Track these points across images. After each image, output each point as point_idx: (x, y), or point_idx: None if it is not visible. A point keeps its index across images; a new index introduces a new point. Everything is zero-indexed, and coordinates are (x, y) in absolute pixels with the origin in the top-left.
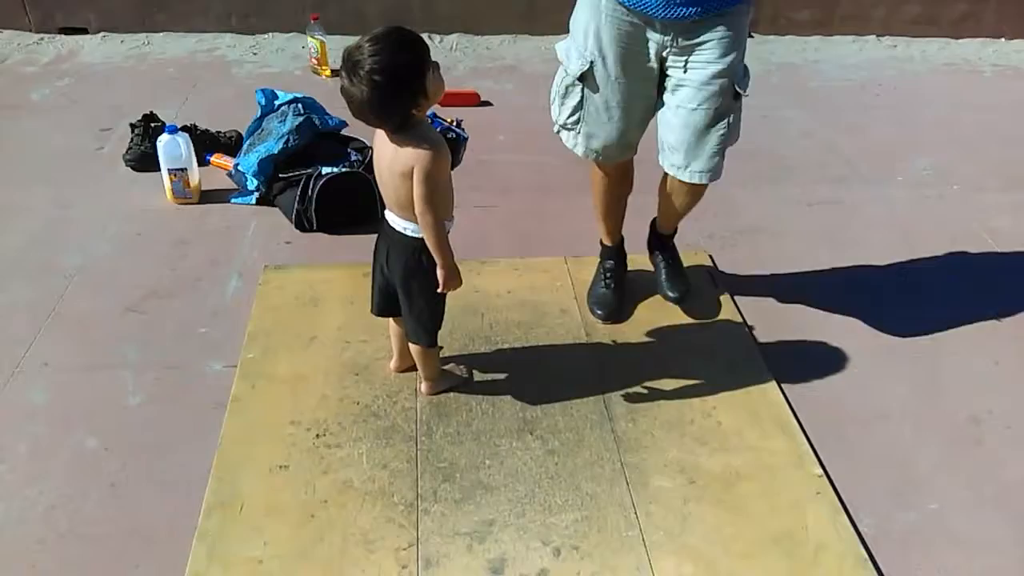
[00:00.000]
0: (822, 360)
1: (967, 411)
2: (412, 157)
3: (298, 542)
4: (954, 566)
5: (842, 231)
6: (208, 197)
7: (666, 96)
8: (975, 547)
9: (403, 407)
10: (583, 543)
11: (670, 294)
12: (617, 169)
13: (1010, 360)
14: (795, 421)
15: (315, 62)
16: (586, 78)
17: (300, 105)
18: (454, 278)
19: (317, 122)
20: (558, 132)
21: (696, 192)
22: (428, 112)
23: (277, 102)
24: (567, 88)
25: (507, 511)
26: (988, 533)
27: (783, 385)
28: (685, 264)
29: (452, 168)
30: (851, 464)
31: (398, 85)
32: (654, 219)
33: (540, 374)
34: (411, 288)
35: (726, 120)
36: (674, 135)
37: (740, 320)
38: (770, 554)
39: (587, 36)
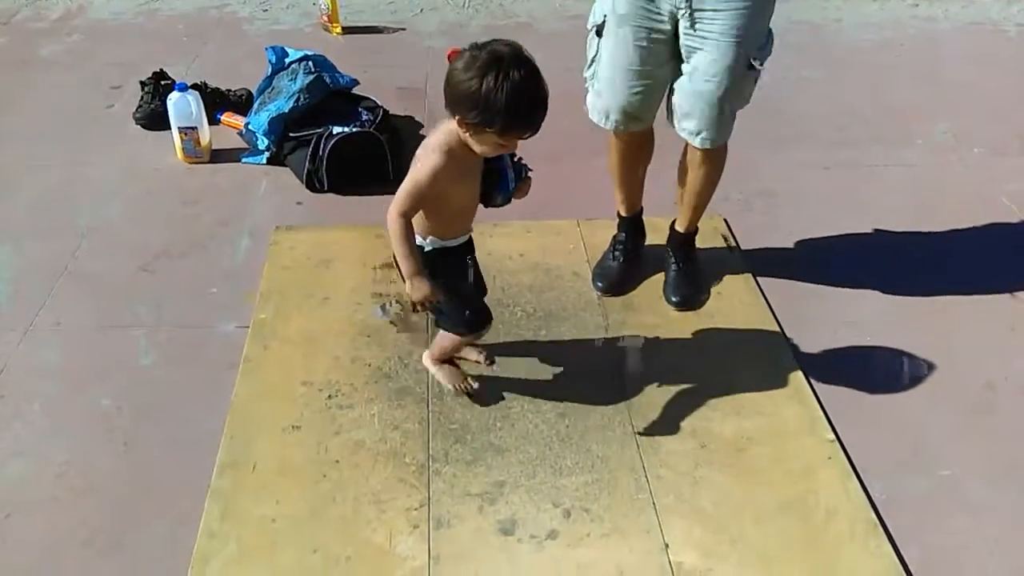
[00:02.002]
0: (837, 326)
1: (982, 377)
2: (422, 146)
3: (310, 502)
4: (965, 532)
5: (860, 195)
6: (219, 156)
7: (679, 65)
8: (987, 513)
9: (415, 369)
10: (593, 505)
11: (672, 298)
12: (633, 138)
13: (1021, 325)
14: (808, 387)
15: (326, 19)
16: (600, 33)
17: (311, 63)
18: (414, 291)
19: (328, 80)
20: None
21: (713, 161)
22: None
23: (287, 60)
24: (589, 42)
25: (518, 472)
26: (1000, 500)
27: (797, 351)
28: (700, 227)
29: (491, 204)
30: (863, 430)
31: (461, 96)
32: (674, 220)
33: (551, 337)
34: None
35: (739, 90)
36: (687, 101)
37: (755, 285)
38: (780, 519)
39: None
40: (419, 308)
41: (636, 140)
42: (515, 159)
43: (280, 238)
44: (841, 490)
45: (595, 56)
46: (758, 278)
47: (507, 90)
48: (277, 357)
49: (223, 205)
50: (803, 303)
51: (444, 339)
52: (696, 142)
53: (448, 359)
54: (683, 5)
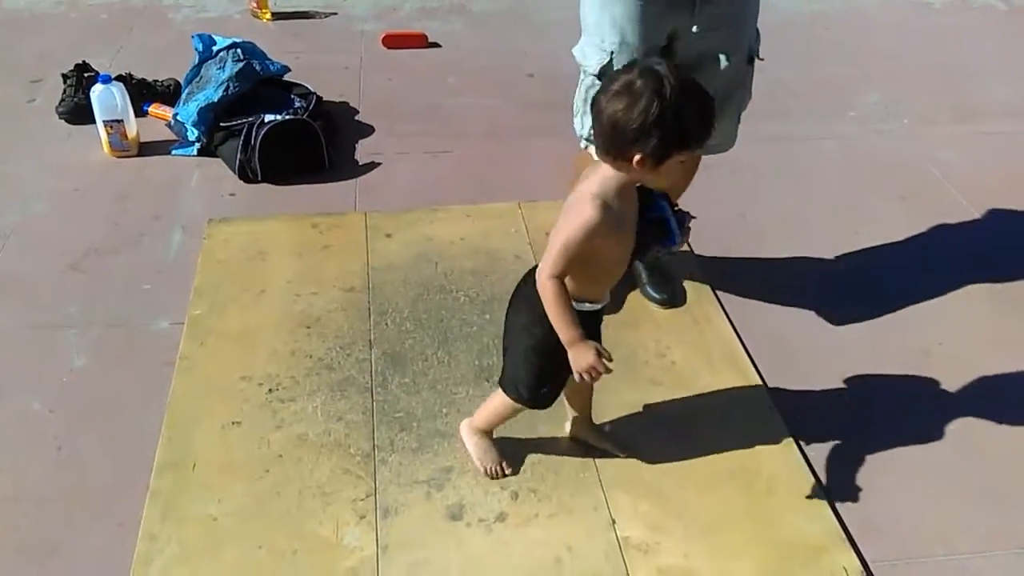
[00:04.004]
0: (773, 296)
1: (918, 343)
2: (572, 198)
3: (253, 498)
4: (901, 491)
5: (792, 167)
6: (147, 149)
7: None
8: (924, 473)
9: (357, 359)
10: (541, 486)
11: (657, 296)
12: None
13: (958, 292)
14: (747, 357)
15: (255, 6)
16: (606, 72)
17: (239, 50)
18: (578, 360)
19: (258, 68)
20: (586, 147)
21: (695, 165)
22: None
23: (215, 48)
24: (588, 91)
25: (465, 457)
26: (936, 459)
27: (735, 322)
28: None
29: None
30: (802, 397)
31: (637, 130)
32: None
33: (495, 321)
34: (530, 332)
35: (743, 88)
36: None
37: (692, 258)
38: (725, 488)
39: (601, 25)
40: (585, 378)
41: None
42: (675, 207)
43: (214, 231)
44: (781, 457)
45: None
46: (693, 250)
47: (683, 100)
48: (214, 353)
49: (154, 199)
50: (738, 274)
51: (498, 406)
52: (699, 150)
53: (489, 432)
54: (685, 10)
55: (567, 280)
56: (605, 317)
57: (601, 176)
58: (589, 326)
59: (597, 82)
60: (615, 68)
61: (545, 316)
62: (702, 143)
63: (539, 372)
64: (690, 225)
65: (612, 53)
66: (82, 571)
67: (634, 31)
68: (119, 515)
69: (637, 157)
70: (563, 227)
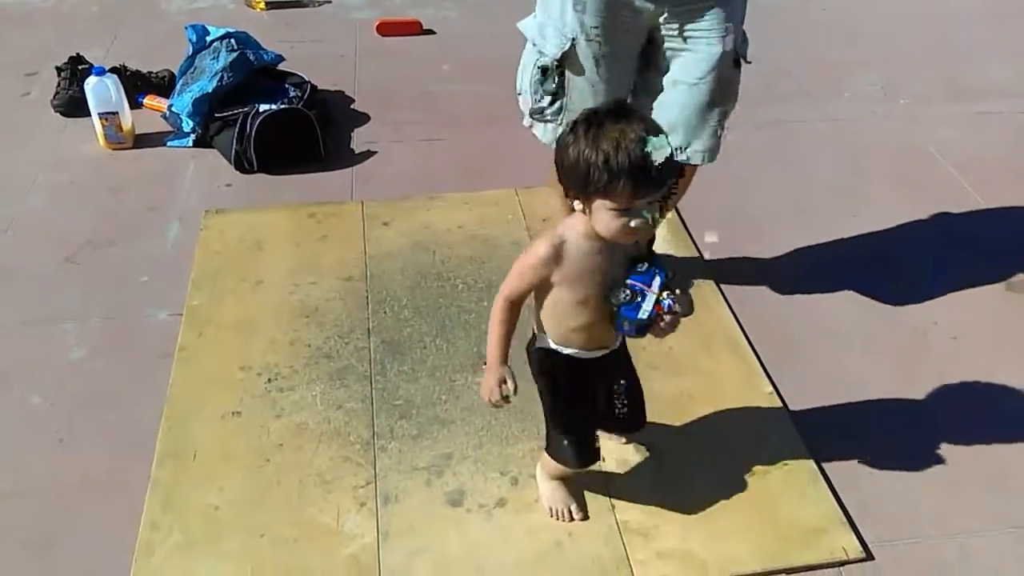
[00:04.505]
0: (771, 280)
1: (914, 324)
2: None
3: (254, 487)
4: (899, 473)
5: (789, 151)
6: (143, 141)
7: (659, 69)
8: (919, 455)
9: (356, 347)
10: None
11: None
12: None
13: (954, 271)
14: (745, 341)
15: None
16: (567, 58)
17: (233, 40)
18: (486, 382)
19: (252, 57)
20: (531, 126)
21: (690, 176)
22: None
23: (209, 38)
24: (543, 72)
25: (464, 444)
26: (931, 441)
27: (733, 306)
28: None
29: (619, 329)
30: (801, 380)
31: (565, 168)
32: None
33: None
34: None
35: (729, 91)
36: (673, 113)
37: (691, 243)
38: (724, 471)
39: (565, 10)
40: (489, 401)
41: None
42: (666, 289)
43: (210, 222)
44: (780, 440)
45: (559, 86)
46: (693, 237)
47: (601, 141)
48: (213, 343)
49: (150, 191)
50: (737, 258)
51: (546, 458)
52: (686, 157)
53: (564, 475)
54: (664, 8)
55: (545, 322)
56: None
57: (572, 219)
58: (577, 374)
59: (556, 65)
60: (578, 57)
61: (539, 373)
62: (633, 193)
63: (550, 430)
64: (668, 316)
65: (573, 40)
66: (84, 562)
67: (595, 20)
68: (120, 506)
69: (565, 193)
70: (522, 256)
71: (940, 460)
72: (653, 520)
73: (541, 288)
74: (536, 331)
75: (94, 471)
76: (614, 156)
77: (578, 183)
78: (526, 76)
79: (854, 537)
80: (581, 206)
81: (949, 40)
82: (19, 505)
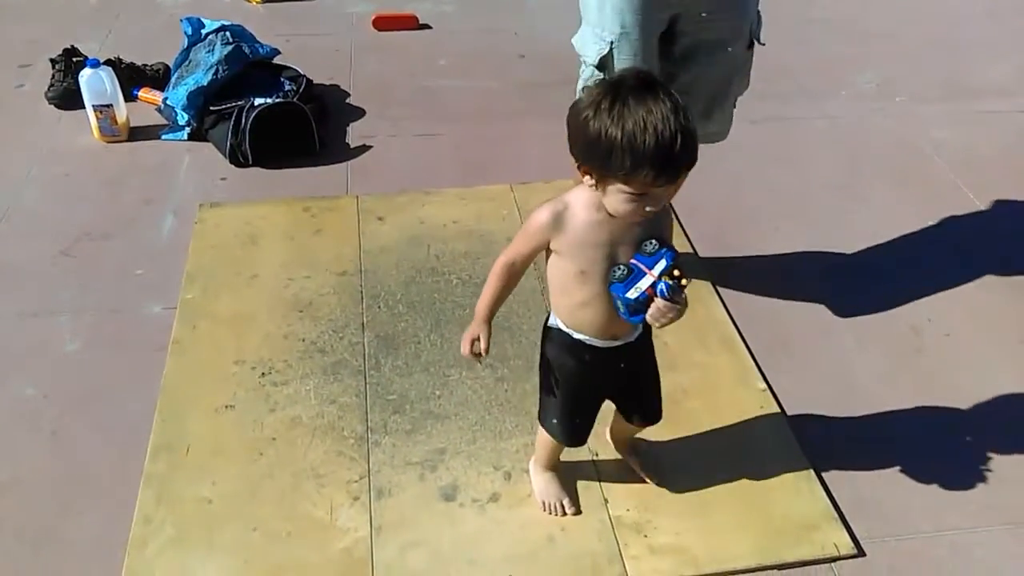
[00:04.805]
0: (766, 277)
1: (908, 321)
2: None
3: (247, 480)
4: (891, 469)
5: (786, 148)
6: (138, 134)
7: (675, 49)
8: (914, 453)
9: (350, 342)
10: None
11: None
12: None
13: (949, 269)
14: (739, 338)
15: None
16: (607, 63)
17: (228, 33)
18: (465, 335)
19: (247, 51)
20: None
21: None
22: None
23: (204, 31)
24: (588, 79)
25: (458, 439)
26: (927, 439)
27: (727, 302)
28: None
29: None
30: (794, 377)
31: (576, 136)
32: None
33: None
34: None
35: (743, 74)
36: (687, 97)
37: (685, 241)
38: (716, 468)
39: (603, 13)
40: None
41: None
42: (670, 270)
43: (205, 216)
44: (774, 437)
45: None
46: (688, 233)
47: (626, 121)
48: (207, 337)
49: (145, 184)
50: (732, 256)
51: (541, 437)
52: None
53: (554, 467)
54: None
55: (559, 294)
56: None
57: (580, 187)
58: (574, 359)
59: (598, 73)
60: (616, 60)
61: (544, 348)
62: (654, 178)
63: (542, 400)
64: (676, 300)
65: (612, 44)
66: (78, 555)
67: (635, 20)
68: (114, 499)
69: (577, 164)
70: (525, 220)
71: (933, 456)
72: (646, 515)
73: (546, 256)
74: (549, 308)
75: (88, 464)
76: (640, 140)
77: (596, 162)
78: (580, 90)
79: (846, 533)
80: (592, 181)
81: (948, 38)
82: (13, 498)
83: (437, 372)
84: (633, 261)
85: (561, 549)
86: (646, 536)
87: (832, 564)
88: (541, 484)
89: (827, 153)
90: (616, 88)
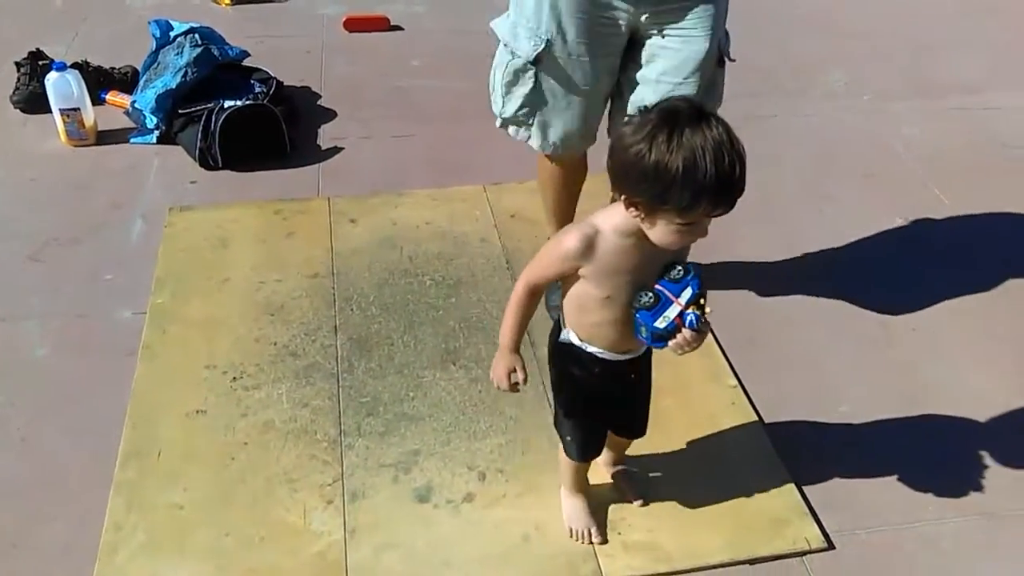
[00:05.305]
0: (736, 275)
1: (876, 316)
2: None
3: (219, 485)
4: (865, 467)
5: (756, 147)
6: (106, 137)
7: (641, 68)
8: (887, 449)
9: (322, 345)
10: (508, 466)
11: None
12: (574, 160)
13: (917, 266)
14: (711, 336)
15: None
16: (541, 60)
17: (197, 36)
18: (496, 367)
19: (216, 53)
20: (502, 126)
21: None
22: None
23: (172, 33)
24: (516, 74)
25: (432, 440)
26: (892, 431)
27: None
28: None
29: (636, 334)
30: (765, 374)
31: (626, 166)
32: None
33: (462, 304)
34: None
35: (714, 91)
36: None
37: None
38: (689, 466)
39: (540, 10)
40: (498, 387)
41: (578, 160)
42: (696, 300)
43: (175, 219)
44: (745, 434)
45: (533, 89)
46: None
47: (686, 152)
48: (177, 341)
49: (114, 188)
50: (701, 253)
51: (561, 461)
52: None
53: (583, 489)
54: (646, 7)
55: (567, 313)
56: None
57: (608, 210)
58: (585, 372)
59: (530, 67)
60: (554, 58)
61: (550, 357)
62: (710, 211)
63: (560, 421)
64: (701, 329)
65: (548, 40)
66: (47, 562)
67: (572, 21)
68: (84, 505)
69: (624, 198)
70: (549, 242)
71: (903, 450)
72: (620, 513)
73: (567, 278)
74: (561, 323)
75: (57, 471)
76: (702, 173)
77: (651, 195)
78: (497, 77)
79: (816, 527)
80: (638, 214)
81: (918, 36)
82: None
83: (411, 374)
84: (659, 288)
85: (536, 548)
86: (620, 533)
87: (803, 558)
88: (570, 510)
89: (798, 151)
90: (671, 119)
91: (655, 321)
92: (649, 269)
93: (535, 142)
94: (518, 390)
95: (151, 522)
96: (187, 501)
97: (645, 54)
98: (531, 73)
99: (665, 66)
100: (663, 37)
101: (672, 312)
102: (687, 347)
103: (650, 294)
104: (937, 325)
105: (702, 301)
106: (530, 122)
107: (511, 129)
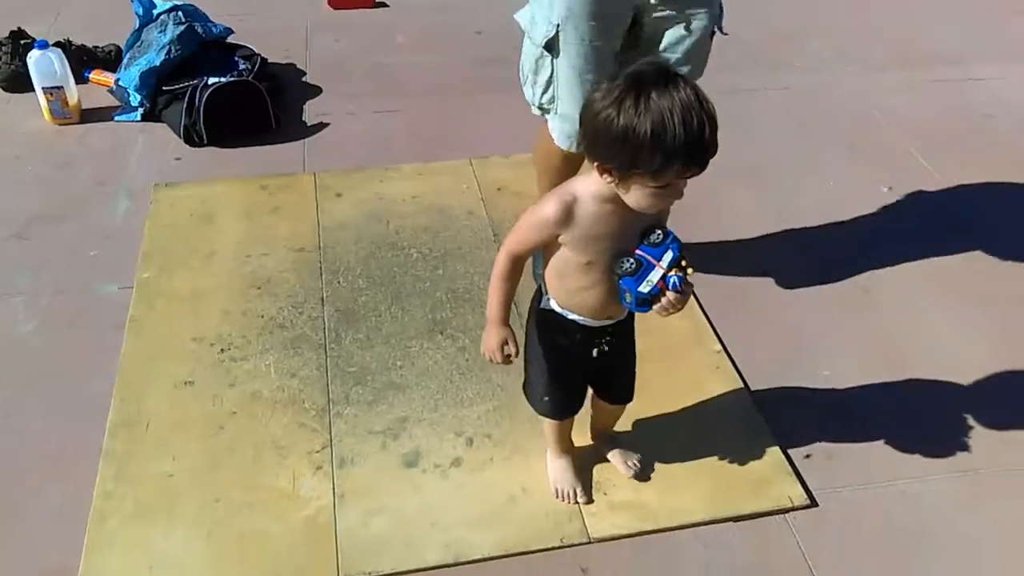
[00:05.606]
0: (722, 244)
1: (858, 281)
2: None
3: (208, 454)
4: (848, 427)
5: (738, 120)
6: (90, 116)
7: (640, 46)
8: (869, 408)
9: (310, 316)
10: (495, 431)
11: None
12: (577, 159)
13: (902, 233)
14: (696, 303)
15: None
16: (552, 46)
17: (180, 13)
18: (487, 339)
19: (200, 30)
20: (541, 114)
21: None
22: None
23: (155, 11)
24: (536, 62)
25: (420, 408)
26: (880, 394)
27: None
28: None
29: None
30: (748, 337)
31: (596, 133)
32: None
33: (449, 276)
34: (526, 339)
35: (702, 61)
36: None
37: None
38: (674, 430)
39: None
40: (486, 358)
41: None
42: (678, 261)
43: (160, 195)
44: (729, 397)
45: (551, 76)
46: None
47: (654, 115)
48: (164, 315)
49: (98, 166)
50: (685, 220)
51: (544, 426)
52: None
53: (569, 451)
54: None
55: (549, 280)
56: None
57: (586, 177)
58: (564, 337)
59: (546, 53)
60: (563, 44)
61: (529, 321)
62: (681, 172)
63: (528, 377)
64: (683, 291)
65: (558, 26)
66: (38, 532)
67: (583, 5)
68: (73, 477)
69: (596, 165)
70: (528, 211)
71: (885, 409)
72: (605, 474)
73: (548, 245)
74: (543, 289)
75: (47, 444)
76: (671, 135)
77: (622, 160)
78: (524, 66)
79: (799, 486)
80: (612, 179)
81: (899, 7)
82: None
83: (398, 344)
84: (640, 252)
85: (522, 509)
86: (605, 494)
87: (787, 516)
88: (555, 472)
89: (781, 123)
90: (637, 83)
91: (639, 286)
92: (629, 234)
93: (554, 132)
94: (511, 362)
95: (140, 490)
96: (177, 469)
97: (647, 32)
98: (547, 61)
99: (665, 42)
100: (665, 16)
101: (655, 276)
102: (672, 309)
103: (631, 260)
104: (919, 291)
105: (683, 263)
106: (553, 109)
107: (548, 121)
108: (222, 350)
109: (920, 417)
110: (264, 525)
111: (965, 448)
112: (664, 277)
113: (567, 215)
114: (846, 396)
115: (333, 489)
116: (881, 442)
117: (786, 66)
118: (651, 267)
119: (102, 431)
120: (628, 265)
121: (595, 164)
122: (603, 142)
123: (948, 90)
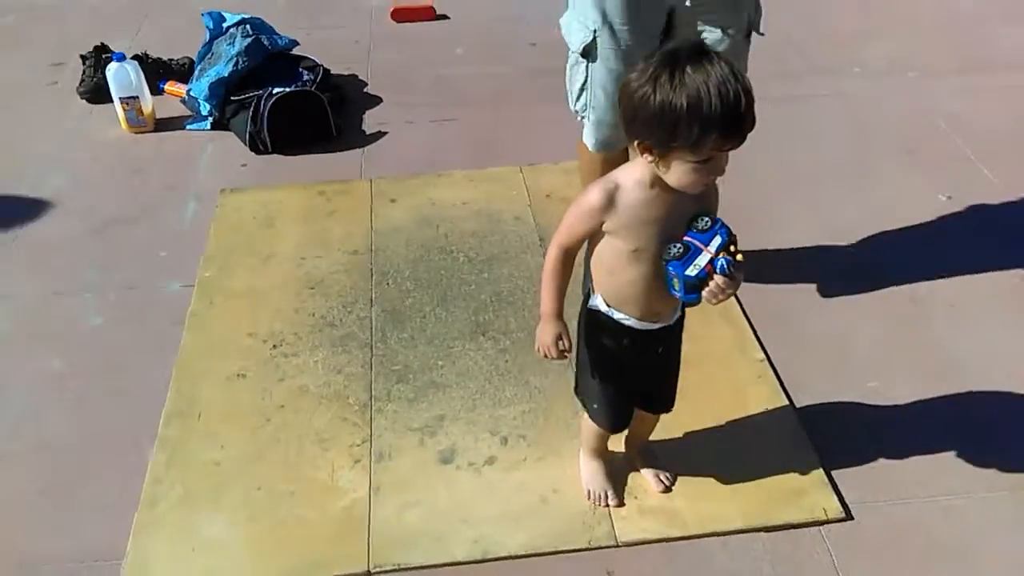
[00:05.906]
0: (773, 252)
1: (907, 292)
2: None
3: (254, 444)
4: (890, 439)
5: (797, 126)
6: (164, 125)
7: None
8: (913, 421)
9: (358, 316)
10: (530, 431)
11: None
12: (614, 157)
13: (961, 244)
14: (739, 308)
15: None
16: (589, 52)
17: (248, 26)
18: (538, 334)
19: (266, 42)
20: (580, 119)
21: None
22: None
23: (225, 24)
24: (573, 68)
25: (458, 406)
26: (926, 408)
27: None
28: None
29: (669, 288)
30: (793, 348)
31: (636, 112)
32: None
33: (493, 279)
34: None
35: (741, 64)
36: None
37: None
38: (713, 438)
39: (588, 1)
40: (539, 354)
41: (619, 155)
42: (726, 246)
43: (226, 200)
44: (770, 407)
45: (585, 82)
46: None
47: (689, 88)
48: (222, 311)
49: (170, 171)
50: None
51: (584, 425)
52: None
53: (603, 453)
54: None
55: (596, 277)
56: None
57: (629, 165)
58: (613, 340)
59: (581, 59)
60: (600, 49)
61: (579, 324)
62: (720, 145)
63: (582, 385)
64: (721, 280)
65: (595, 32)
66: (96, 513)
67: (618, 9)
68: (130, 461)
69: (636, 143)
70: (573, 203)
71: (929, 423)
72: (638, 479)
73: (594, 237)
74: (591, 288)
75: (107, 429)
76: (707, 105)
77: (661, 135)
78: (567, 73)
79: (835, 498)
80: (652, 158)
81: (960, 11)
82: (41, 458)
83: (441, 344)
84: (687, 238)
85: (553, 509)
86: (636, 498)
87: (820, 528)
88: (588, 473)
89: (839, 130)
90: (672, 60)
91: (686, 270)
92: (675, 220)
93: (587, 138)
94: (565, 357)
95: (189, 477)
96: (224, 458)
97: (682, 35)
98: (583, 67)
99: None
100: (700, 19)
101: (703, 260)
102: (721, 295)
103: (679, 245)
104: (973, 303)
105: (732, 248)
106: (586, 116)
107: (586, 131)
108: (274, 346)
109: (966, 432)
110: (302, 513)
111: (1012, 465)
112: (712, 261)
113: (609, 201)
114: (891, 408)
115: (370, 482)
116: (926, 456)
117: (845, 72)
118: (699, 251)
119: (158, 419)
120: (676, 250)
121: (636, 144)
122: (641, 119)
123: (1012, 96)
